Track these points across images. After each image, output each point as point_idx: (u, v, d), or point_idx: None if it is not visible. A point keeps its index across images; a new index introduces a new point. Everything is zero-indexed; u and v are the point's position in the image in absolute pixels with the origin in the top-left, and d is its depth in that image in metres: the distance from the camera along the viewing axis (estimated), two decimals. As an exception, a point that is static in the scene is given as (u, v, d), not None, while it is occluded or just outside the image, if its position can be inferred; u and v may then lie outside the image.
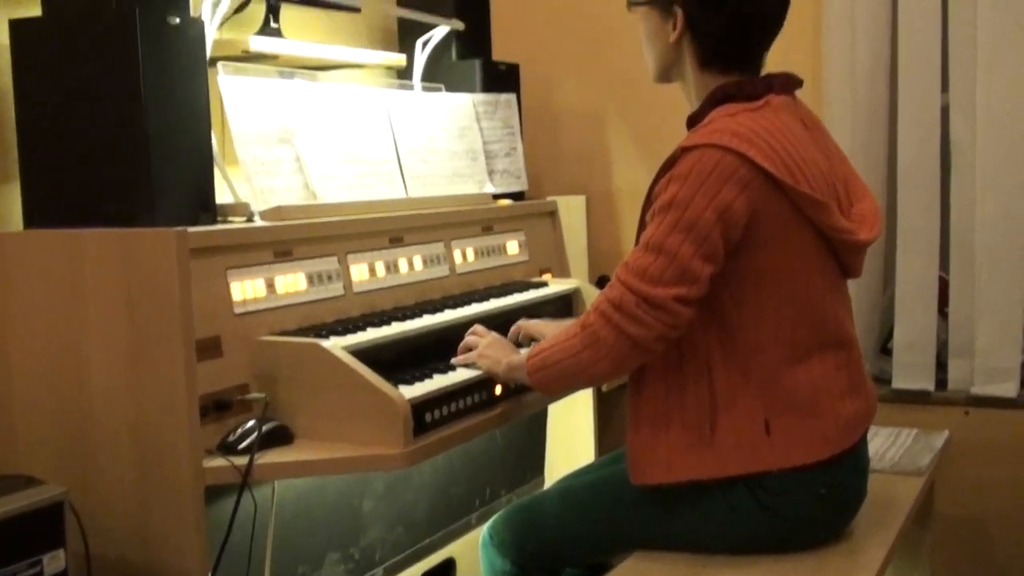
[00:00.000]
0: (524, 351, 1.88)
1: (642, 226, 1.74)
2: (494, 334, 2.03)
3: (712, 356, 1.72)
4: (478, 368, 1.96)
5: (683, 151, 1.66)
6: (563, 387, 1.86)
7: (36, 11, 1.99)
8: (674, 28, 1.78)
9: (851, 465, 1.79)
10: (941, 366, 3.04)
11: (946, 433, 2.63)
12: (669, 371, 1.74)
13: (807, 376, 1.72)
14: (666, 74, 1.86)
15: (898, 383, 3.03)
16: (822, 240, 1.72)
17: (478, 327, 2.06)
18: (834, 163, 1.82)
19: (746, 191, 1.63)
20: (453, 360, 2.00)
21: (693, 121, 1.79)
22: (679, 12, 1.76)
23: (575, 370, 1.73)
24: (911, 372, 3.02)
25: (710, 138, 1.64)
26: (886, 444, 2.53)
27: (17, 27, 1.95)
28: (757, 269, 1.68)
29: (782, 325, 1.70)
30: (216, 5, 2.16)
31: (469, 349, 2.01)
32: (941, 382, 3.03)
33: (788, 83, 1.80)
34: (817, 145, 1.78)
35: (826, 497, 1.75)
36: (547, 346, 1.77)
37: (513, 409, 2.03)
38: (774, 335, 1.70)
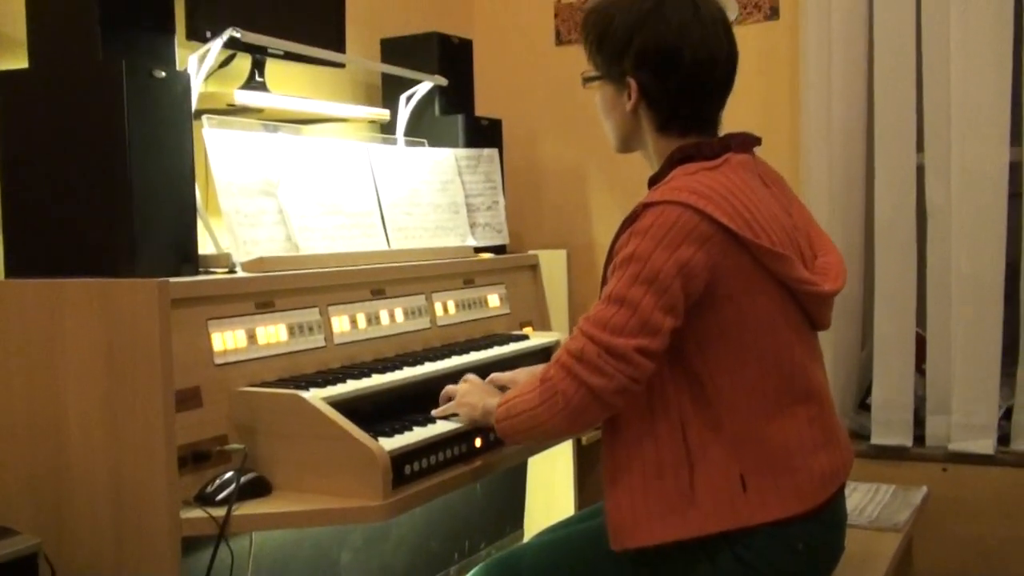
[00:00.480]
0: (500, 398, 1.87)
1: (604, 281, 1.76)
2: (473, 378, 2.03)
3: (685, 414, 1.72)
4: (459, 420, 1.96)
5: (644, 207, 1.69)
6: (526, 439, 1.85)
7: (23, 63, 2.01)
8: (629, 98, 1.81)
9: (828, 519, 1.79)
10: (919, 422, 3.06)
11: (924, 489, 2.64)
12: (643, 434, 1.73)
13: (780, 431, 1.72)
14: (627, 143, 1.90)
15: (876, 439, 3.05)
16: (786, 293, 1.74)
17: (468, 376, 2.07)
18: (795, 218, 1.84)
19: (705, 246, 1.64)
20: (433, 412, 2.00)
21: (654, 181, 1.82)
22: (632, 82, 1.79)
23: (533, 423, 1.73)
24: (889, 428, 3.04)
25: (669, 195, 1.67)
26: (864, 500, 2.54)
27: (4, 79, 1.97)
28: (723, 324, 1.69)
29: (752, 380, 1.71)
30: (202, 59, 2.18)
31: (450, 398, 2.01)
32: (919, 438, 3.05)
33: (746, 142, 1.83)
34: (777, 200, 1.81)
35: (803, 553, 1.75)
36: (514, 395, 1.77)
37: (493, 462, 2.03)
38: (745, 390, 1.71)
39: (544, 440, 2.11)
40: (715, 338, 1.69)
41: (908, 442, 3.02)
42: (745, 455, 1.70)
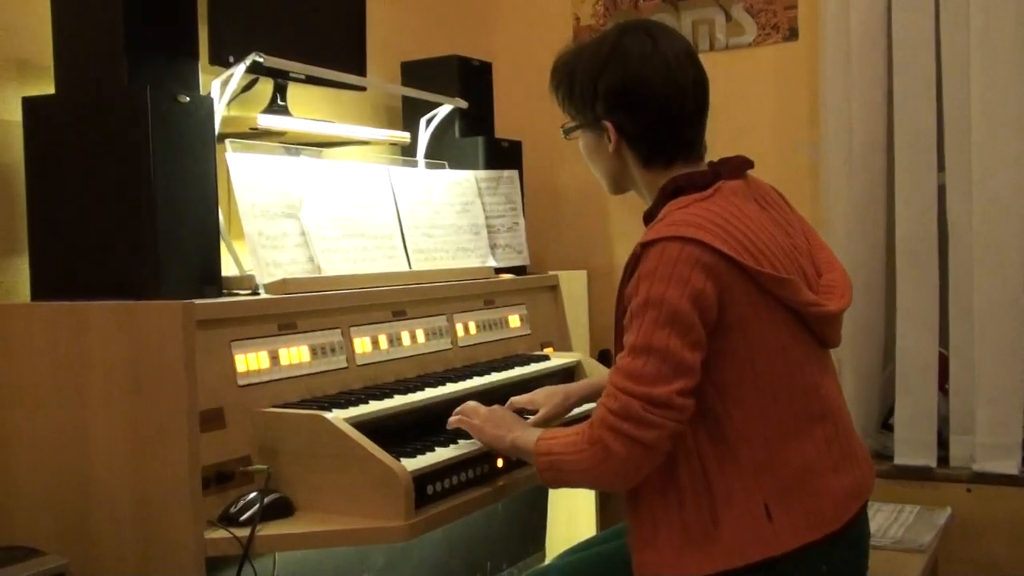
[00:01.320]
0: (530, 433, 1.83)
1: (618, 331, 1.75)
2: (494, 407, 2.02)
3: (702, 447, 1.70)
4: (479, 439, 1.95)
5: (643, 247, 1.68)
6: (576, 487, 1.87)
7: (50, 89, 2.03)
8: (609, 140, 1.83)
9: (851, 539, 1.78)
10: (942, 443, 3.03)
11: (948, 510, 2.63)
12: (663, 470, 1.71)
13: (798, 454, 1.71)
14: (617, 184, 1.92)
15: (900, 459, 3.03)
16: (792, 315, 1.73)
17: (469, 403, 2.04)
18: (796, 238, 1.83)
19: (712, 276, 1.64)
20: (449, 422, 1.97)
21: (649, 217, 1.82)
22: (608, 124, 1.81)
23: (589, 482, 1.74)
24: (912, 448, 3.02)
25: (667, 231, 1.66)
26: (888, 521, 2.52)
27: (30, 104, 2.00)
28: (732, 352, 1.68)
29: (766, 405, 1.70)
30: (225, 84, 2.21)
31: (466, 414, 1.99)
32: (943, 459, 3.03)
33: (739, 166, 1.83)
34: (775, 223, 1.80)
35: (827, 575, 1.74)
36: (557, 449, 1.73)
37: (515, 482, 2.03)
38: (760, 416, 1.69)
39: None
40: (726, 367, 1.68)
41: (932, 462, 3.00)
42: (767, 483, 1.68)
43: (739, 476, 1.68)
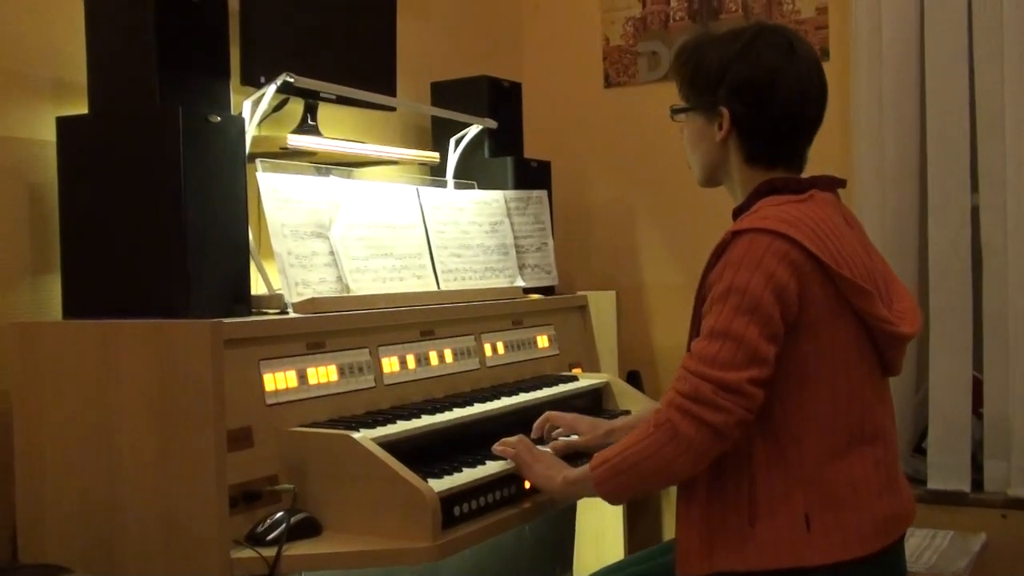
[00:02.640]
0: (580, 467, 1.85)
1: (696, 319, 1.75)
2: (544, 450, 2.02)
3: (754, 445, 1.71)
4: (528, 477, 1.95)
5: (733, 235, 1.70)
6: (636, 493, 1.82)
7: (83, 109, 2.05)
8: (720, 128, 1.82)
9: (885, 566, 1.76)
10: (977, 467, 2.99)
11: (983, 536, 2.59)
12: (711, 466, 1.73)
13: (847, 470, 1.70)
14: (713, 175, 1.90)
15: (933, 483, 2.98)
16: (863, 331, 1.73)
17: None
18: (875, 262, 1.85)
19: (796, 273, 1.65)
20: (494, 449, 1.99)
21: (739, 212, 1.82)
22: (725, 112, 1.81)
23: (653, 470, 1.70)
24: (946, 472, 2.97)
25: (759, 223, 1.68)
26: (922, 546, 2.49)
27: (64, 124, 2.01)
28: (800, 356, 1.69)
29: (823, 416, 1.70)
30: (256, 104, 2.22)
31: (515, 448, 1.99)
32: (977, 483, 2.98)
33: (831, 182, 1.85)
34: (859, 241, 1.82)
35: None
36: (614, 453, 1.74)
37: (542, 504, 2.02)
38: (815, 425, 1.70)
39: (659, 488, 2.01)
40: (791, 371, 1.69)
41: (966, 487, 2.95)
42: (811, 493, 1.69)
43: (784, 481, 1.69)
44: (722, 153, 1.85)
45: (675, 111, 1.90)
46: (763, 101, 1.79)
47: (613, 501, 1.83)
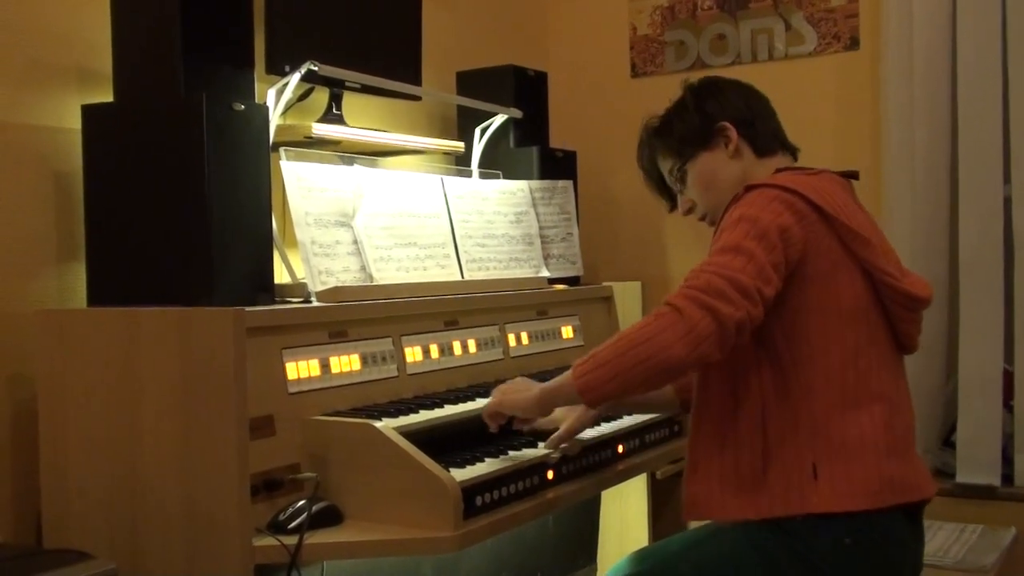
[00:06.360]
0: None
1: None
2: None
3: (766, 394, 1.77)
4: (511, 411, 1.92)
5: (745, 189, 1.81)
6: (616, 389, 1.69)
7: (108, 97, 2.06)
8: (728, 140, 1.94)
9: (899, 530, 1.77)
10: (1007, 461, 2.96)
11: (1013, 531, 2.56)
12: (725, 413, 1.80)
13: (855, 423, 1.75)
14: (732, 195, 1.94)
15: (962, 477, 2.95)
16: (871, 290, 1.80)
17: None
18: (885, 240, 1.90)
19: (802, 222, 1.74)
20: (489, 426, 1.96)
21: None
22: (725, 123, 1.94)
23: (642, 358, 1.64)
24: (975, 466, 2.94)
25: (770, 181, 1.81)
26: (950, 540, 2.46)
27: (89, 112, 2.02)
28: (809, 306, 1.75)
29: (833, 368, 1.75)
30: (280, 92, 2.22)
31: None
32: (1007, 477, 2.95)
33: (843, 172, 1.93)
34: (869, 219, 1.89)
35: (851, 547, 1.74)
36: (601, 346, 1.72)
37: (565, 494, 2.01)
38: (825, 376, 1.75)
39: (642, 387, 1.78)
40: (799, 320, 1.76)
41: (996, 481, 2.92)
42: (819, 443, 1.74)
43: (794, 430, 1.76)
44: (739, 164, 1.95)
45: (679, 175, 2.00)
46: (740, 91, 1.99)
47: (591, 400, 1.72)
